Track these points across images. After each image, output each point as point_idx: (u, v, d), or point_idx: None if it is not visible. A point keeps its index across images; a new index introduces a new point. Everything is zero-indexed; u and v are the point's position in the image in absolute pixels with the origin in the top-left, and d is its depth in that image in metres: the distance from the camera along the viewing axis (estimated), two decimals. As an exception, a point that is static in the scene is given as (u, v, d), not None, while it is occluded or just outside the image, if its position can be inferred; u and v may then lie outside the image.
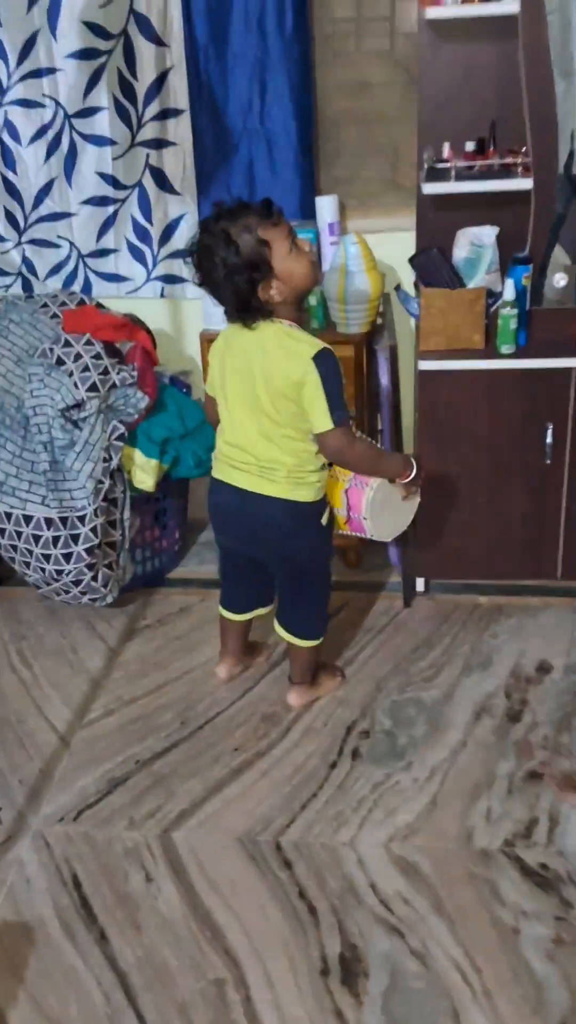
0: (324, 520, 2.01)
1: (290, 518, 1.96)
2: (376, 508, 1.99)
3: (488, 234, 2.44)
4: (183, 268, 2.81)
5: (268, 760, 2.10)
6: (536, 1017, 1.52)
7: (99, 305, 2.65)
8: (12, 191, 2.74)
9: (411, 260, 2.43)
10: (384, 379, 2.43)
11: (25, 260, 2.82)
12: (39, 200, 2.74)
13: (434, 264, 2.37)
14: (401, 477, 2.01)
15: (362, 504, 1.98)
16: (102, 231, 2.76)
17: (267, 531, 2.00)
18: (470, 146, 2.43)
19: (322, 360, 1.80)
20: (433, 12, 2.22)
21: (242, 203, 1.78)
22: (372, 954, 1.64)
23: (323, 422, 1.84)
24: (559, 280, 2.41)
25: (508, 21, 2.20)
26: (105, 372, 2.38)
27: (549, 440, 2.37)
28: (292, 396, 1.83)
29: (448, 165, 2.35)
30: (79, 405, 2.35)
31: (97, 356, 2.39)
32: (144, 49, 2.57)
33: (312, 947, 1.66)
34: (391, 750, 2.10)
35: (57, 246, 2.79)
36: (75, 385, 2.35)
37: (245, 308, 1.81)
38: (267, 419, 1.88)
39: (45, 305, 2.62)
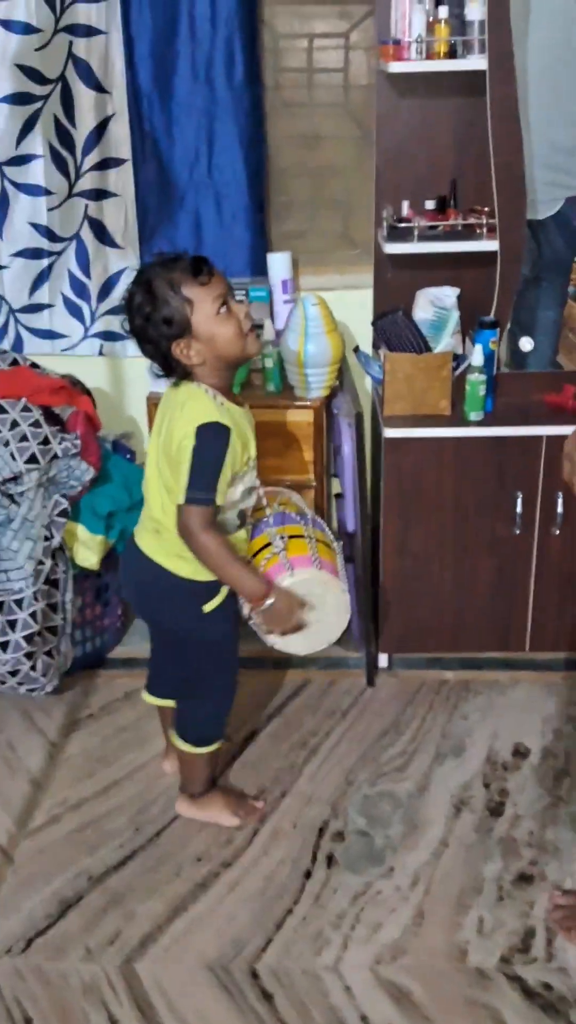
0: (208, 607, 1.81)
1: (155, 581, 1.81)
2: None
3: (449, 295, 2.35)
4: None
5: (235, 871, 1.91)
6: None
7: (34, 365, 2.46)
8: None
9: (374, 323, 2.32)
10: (346, 447, 2.29)
11: (-49, 316, 2.61)
12: (-34, 252, 2.54)
13: (399, 327, 2.25)
14: (250, 600, 1.79)
15: None
16: (35, 285, 2.57)
17: (136, 591, 1.88)
18: (430, 204, 2.34)
19: (204, 432, 1.67)
20: (396, 67, 2.12)
21: (176, 256, 1.69)
22: None
23: (180, 495, 1.69)
24: (525, 344, 2.33)
25: (470, 76, 2.12)
26: (45, 442, 2.18)
27: (519, 509, 2.28)
28: (172, 459, 1.71)
29: (410, 224, 2.25)
30: (16, 478, 2.15)
31: (36, 424, 2.19)
32: (83, 95, 2.41)
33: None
34: (368, 853, 1.94)
35: (-14, 301, 2.59)
36: (12, 456, 2.14)
37: (164, 365, 1.71)
38: (160, 479, 1.76)
39: (-26, 365, 2.41)
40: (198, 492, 1.68)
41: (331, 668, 2.52)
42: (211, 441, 1.68)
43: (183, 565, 1.78)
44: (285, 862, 1.93)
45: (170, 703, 2.04)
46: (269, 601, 1.75)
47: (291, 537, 1.86)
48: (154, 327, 1.66)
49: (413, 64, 2.12)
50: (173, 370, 1.73)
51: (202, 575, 1.78)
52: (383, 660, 2.49)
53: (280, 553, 1.82)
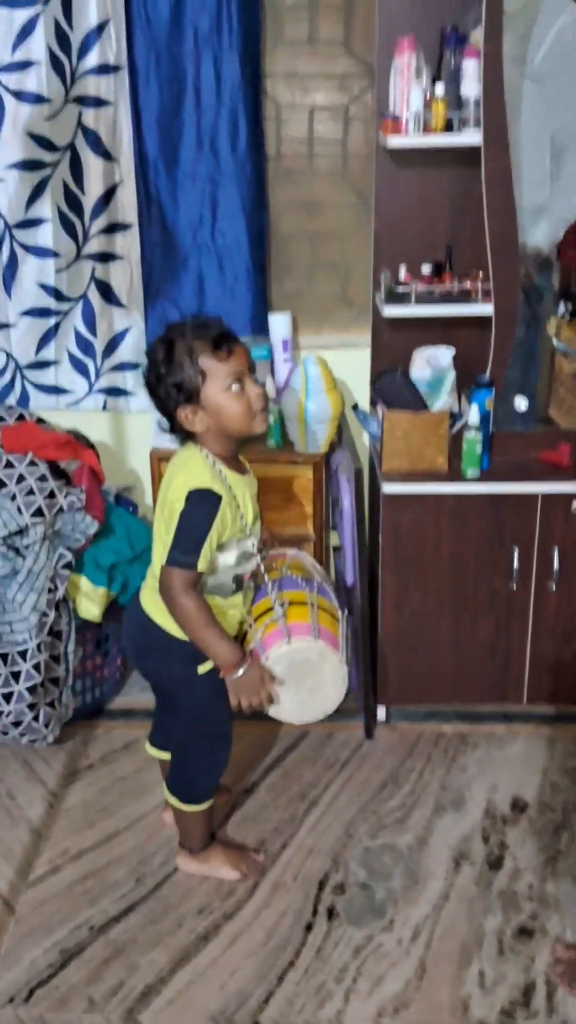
0: (202, 669, 1.83)
1: (152, 638, 1.85)
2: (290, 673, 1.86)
3: (445, 355, 2.42)
4: (127, 381, 2.71)
5: (237, 923, 1.92)
6: None
7: (40, 420, 2.51)
8: (-53, 301, 2.61)
9: (373, 382, 2.39)
10: (346, 501, 2.35)
11: (-42, 372, 2.68)
12: (-25, 310, 2.61)
13: (397, 386, 2.33)
14: (221, 668, 1.80)
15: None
16: (42, 343, 2.64)
17: (134, 646, 1.94)
18: (426, 269, 2.43)
19: (193, 497, 1.72)
20: (395, 141, 2.22)
21: (206, 322, 1.73)
22: None
23: (164, 554, 1.74)
24: (520, 403, 2.40)
25: (466, 149, 2.21)
26: (51, 495, 2.23)
27: (516, 565, 2.33)
28: (166, 519, 1.76)
29: (408, 288, 2.33)
30: (22, 531, 2.19)
31: (42, 478, 2.24)
32: (92, 163, 2.51)
33: None
34: (369, 906, 1.95)
35: (-7, 357, 2.66)
36: (18, 510, 2.19)
37: (169, 422, 1.78)
38: (160, 537, 1.81)
39: (-19, 420, 2.46)
40: (180, 555, 1.72)
41: (329, 720, 2.54)
42: (199, 507, 1.72)
43: (170, 621, 1.82)
44: (287, 915, 1.94)
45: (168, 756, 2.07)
46: (239, 672, 1.78)
47: (292, 604, 1.88)
48: (164, 387, 1.72)
49: (411, 139, 2.21)
50: (174, 430, 1.79)
51: (231, 624, 1.86)
52: (381, 713, 2.52)
53: (279, 620, 1.84)
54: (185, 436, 1.79)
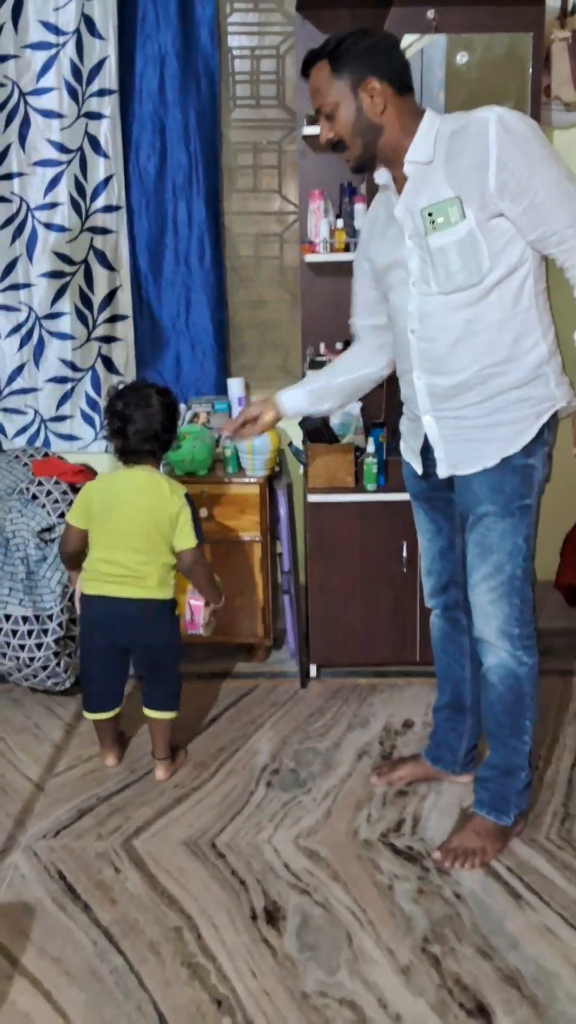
0: (175, 613, 2.73)
1: (148, 614, 2.66)
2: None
3: (354, 407, 3.34)
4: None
5: (202, 792, 2.73)
6: (406, 937, 2.17)
7: (60, 457, 3.41)
8: (-10, 372, 3.54)
9: (300, 424, 3.31)
10: (283, 510, 3.24)
11: (-3, 424, 3.59)
12: (12, 378, 3.54)
13: (318, 428, 3.24)
14: (215, 601, 2.78)
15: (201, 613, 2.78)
16: (61, 402, 3.56)
17: (132, 629, 2.69)
18: (339, 345, 3.37)
19: (187, 497, 2.64)
20: (312, 257, 3.19)
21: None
22: (288, 906, 2.27)
23: (190, 539, 2.63)
24: (406, 439, 3.32)
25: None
26: (70, 504, 3.11)
27: (405, 554, 3.21)
28: (162, 523, 2.63)
29: (325, 359, 3.27)
30: (51, 528, 3.07)
31: (64, 492, 3.13)
32: (99, 273, 3.47)
33: (244, 904, 2.27)
34: (295, 781, 2.77)
35: (24, 413, 3.57)
36: (47, 513, 3.07)
37: (132, 451, 2.67)
38: (147, 542, 2.61)
39: (17, 456, 3.37)
40: (199, 535, 2.63)
41: (274, 677, 3.39)
42: (192, 502, 2.64)
43: (167, 590, 2.68)
44: (236, 787, 2.75)
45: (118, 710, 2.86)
46: (222, 601, 2.71)
47: None
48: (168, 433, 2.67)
49: (322, 256, 3.19)
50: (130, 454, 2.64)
51: (171, 593, 2.69)
52: (313, 670, 3.36)
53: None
54: (137, 462, 2.63)
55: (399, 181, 2.12)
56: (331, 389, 2.47)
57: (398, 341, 2.27)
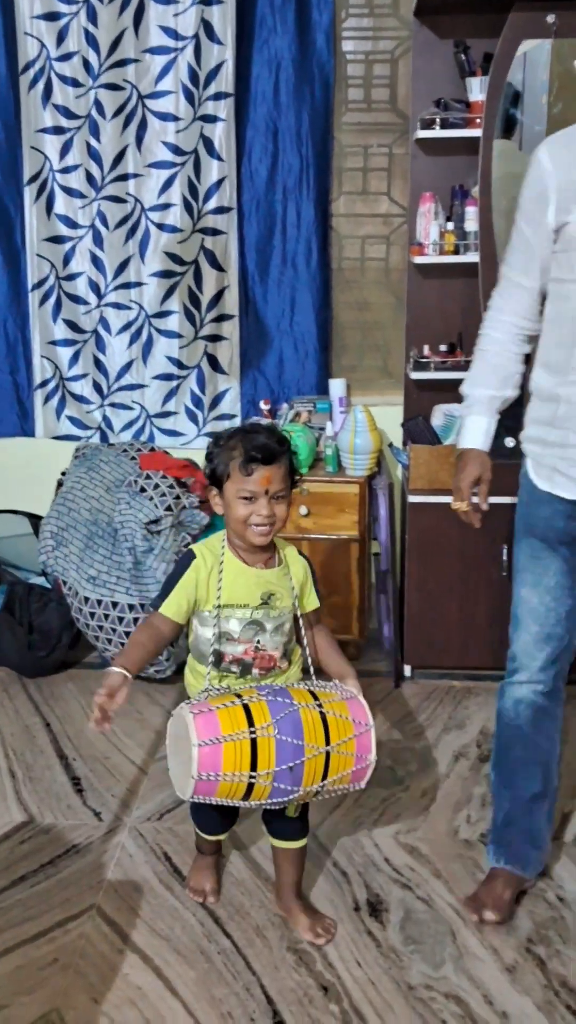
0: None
1: None
2: (169, 740, 1.96)
3: (457, 409, 3.35)
4: (224, 427, 3.68)
5: (301, 784, 2.77)
6: (510, 937, 2.18)
7: (165, 452, 3.49)
8: (100, 367, 3.63)
9: (403, 425, 3.34)
10: (383, 511, 3.27)
11: (105, 418, 3.69)
12: (120, 375, 3.63)
13: (420, 428, 3.26)
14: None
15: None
16: (166, 399, 3.64)
17: None
18: (443, 347, 3.39)
19: (182, 555, 2.01)
20: (420, 259, 3.22)
21: (255, 435, 1.91)
22: (391, 899, 2.29)
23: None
24: (508, 442, 3.32)
25: (469, 266, 3.19)
26: (177, 497, 3.19)
27: (504, 558, 3.21)
28: None
29: (428, 360, 3.30)
30: (157, 521, 3.15)
31: (171, 486, 3.21)
32: (208, 273, 3.54)
33: (347, 895, 2.31)
34: (392, 778, 2.79)
35: (131, 408, 3.67)
36: (155, 506, 3.15)
37: None
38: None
39: (125, 450, 3.46)
40: (157, 596, 1.99)
41: (368, 676, 3.41)
42: (180, 562, 1.99)
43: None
44: (335, 781, 2.79)
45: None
46: (112, 669, 1.87)
47: (236, 694, 1.90)
48: (209, 467, 1.96)
49: (431, 258, 3.21)
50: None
51: (196, 687, 2.03)
52: (407, 670, 3.38)
53: (203, 696, 1.93)
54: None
55: None
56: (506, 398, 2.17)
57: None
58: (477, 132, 3.04)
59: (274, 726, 1.83)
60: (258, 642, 1.99)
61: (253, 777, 1.83)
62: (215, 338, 3.60)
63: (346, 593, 3.40)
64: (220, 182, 3.45)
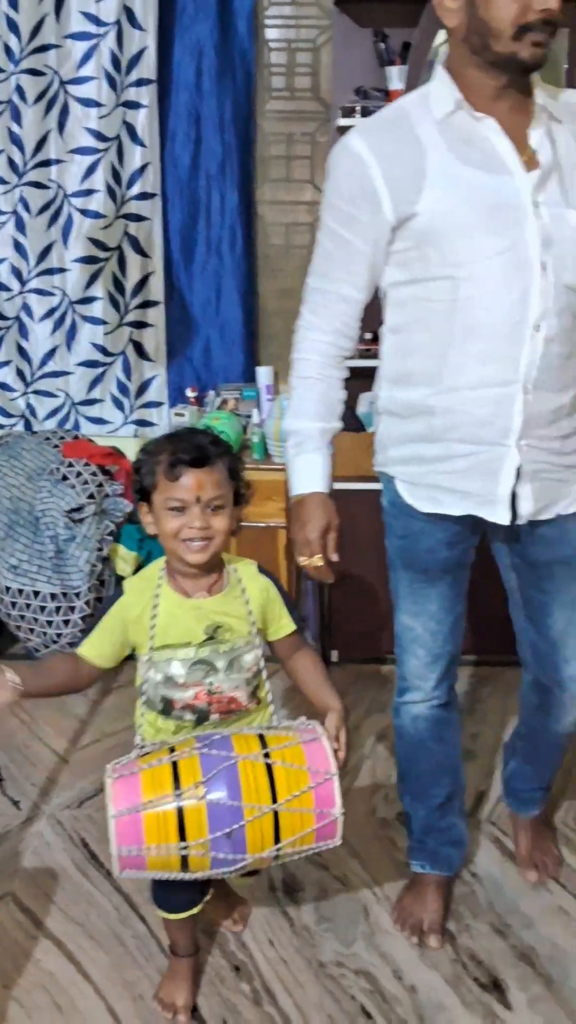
0: None
1: None
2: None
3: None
4: (152, 415, 3.68)
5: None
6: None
7: (89, 440, 3.47)
8: (23, 354, 3.60)
9: (327, 412, 3.35)
10: (307, 497, 3.28)
11: (29, 406, 3.65)
12: (44, 362, 3.60)
13: (344, 415, 3.27)
14: None
15: None
16: (92, 386, 3.62)
17: None
18: (368, 336, 3.41)
19: (118, 586, 1.77)
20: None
21: (184, 440, 1.68)
22: (307, 880, 2.31)
23: None
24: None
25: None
26: (100, 485, 3.17)
27: (427, 543, 3.24)
28: None
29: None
30: (80, 508, 3.13)
31: (94, 473, 3.19)
32: (133, 259, 3.52)
33: (263, 876, 2.31)
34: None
35: (55, 396, 3.63)
36: (77, 494, 3.13)
37: None
38: None
39: (48, 438, 3.43)
40: (83, 637, 1.73)
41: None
42: (109, 598, 1.74)
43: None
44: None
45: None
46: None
47: (171, 748, 1.64)
48: (136, 480, 1.71)
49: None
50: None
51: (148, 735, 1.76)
52: (334, 655, 3.41)
53: (143, 748, 1.68)
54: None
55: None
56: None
57: (492, 337, 1.68)
58: (397, 120, 3.06)
59: (204, 786, 1.55)
60: (210, 684, 1.70)
61: (184, 848, 1.55)
62: (140, 325, 3.58)
63: (273, 580, 3.40)
64: (143, 168, 3.43)
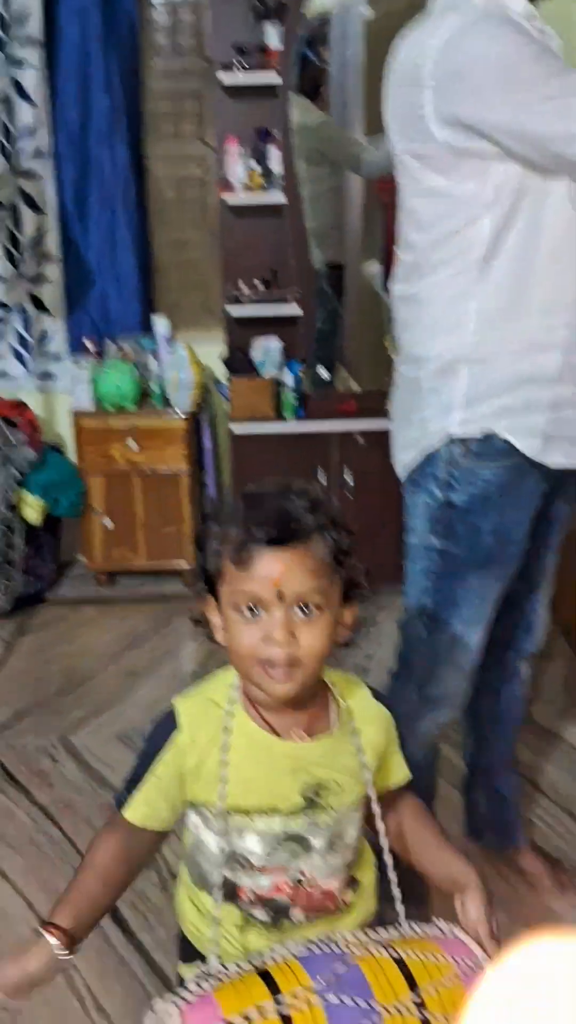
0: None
1: None
2: None
3: (274, 343, 3.55)
4: (53, 367, 3.78)
5: (135, 694, 2.96)
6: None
7: (-7, 394, 3.57)
8: None
9: (224, 360, 3.51)
10: (207, 442, 3.45)
11: None
12: (-57, 318, 3.68)
13: (240, 363, 3.45)
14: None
15: None
16: (-7, 341, 3.71)
17: None
18: (259, 284, 3.57)
19: (161, 719, 1.17)
20: (230, 198, 3.38)
21: (259, 499, 1.14)
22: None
23: None
24: (322, 372, 3.55)
25: (278, 205, 3.38)
26: (4, 434, 3.29)
27: (324, 481, 3.43)
28: None
29: (244, 297, 3.47)
30: (-15, 457, 3.24)
31: (-2, 424, 3.31)
32: (28, 216, 3.60)
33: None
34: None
35: (-44, 352, 3.72)
36: (-18, 444, 3.24)
37: None
38: None
39: (-48, 393, 3.52)
40: (124, 788, 1.18)
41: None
42: (154, 730, 1.17)
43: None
44: (169, 689, 2.99)
45: None
46: (51, 940, 1.09)
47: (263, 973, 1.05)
48: (199, 563, 1.16)
49: (239, 197, 3.38)
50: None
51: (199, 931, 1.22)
52: (238, 590, 3.59)
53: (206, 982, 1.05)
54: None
55: None
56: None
57: None
58: (277, 78, 3.21)
59: (315, 989, 1.02)
60: (301, 874, 1.16)
61: None
62: (38, 278, 3.68)
63: (179, 523, 3.58)
64: (34, 129, 3.51)
